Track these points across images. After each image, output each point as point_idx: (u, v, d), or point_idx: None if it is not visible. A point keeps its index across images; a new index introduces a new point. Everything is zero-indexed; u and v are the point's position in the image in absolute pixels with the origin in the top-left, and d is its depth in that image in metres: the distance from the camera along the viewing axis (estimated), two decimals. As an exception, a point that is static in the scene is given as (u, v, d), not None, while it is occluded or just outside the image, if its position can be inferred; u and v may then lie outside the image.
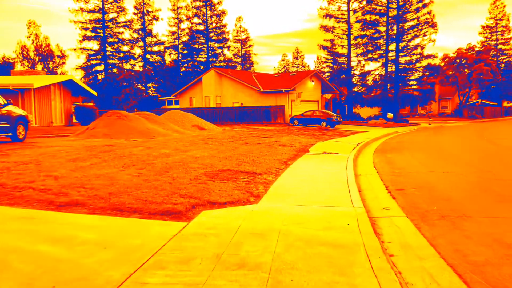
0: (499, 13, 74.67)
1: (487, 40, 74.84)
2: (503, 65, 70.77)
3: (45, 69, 76.11)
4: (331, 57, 54.86)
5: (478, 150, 16.66)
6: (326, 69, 62.43)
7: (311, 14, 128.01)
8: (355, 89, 52.51)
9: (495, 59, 68.64)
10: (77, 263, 4.02)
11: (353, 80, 52.47)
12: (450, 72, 59.56)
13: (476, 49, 63.48)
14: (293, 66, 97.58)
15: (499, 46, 74.58)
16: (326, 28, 51.50)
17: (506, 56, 74.43)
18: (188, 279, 3.68)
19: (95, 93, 33.39)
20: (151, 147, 12.43)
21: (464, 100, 60.90)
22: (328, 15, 50.96)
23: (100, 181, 7.41)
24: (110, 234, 4.94)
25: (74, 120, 29.75)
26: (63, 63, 73.16)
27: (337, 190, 7.91)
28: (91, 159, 9.78)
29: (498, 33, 74.82)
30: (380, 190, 8.37)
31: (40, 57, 78.38)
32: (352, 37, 50.90)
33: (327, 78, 47.42)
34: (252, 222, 5.58)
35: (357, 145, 18.30)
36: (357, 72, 52.57)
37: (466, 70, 58.10)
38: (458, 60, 59.56)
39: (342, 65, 53.04)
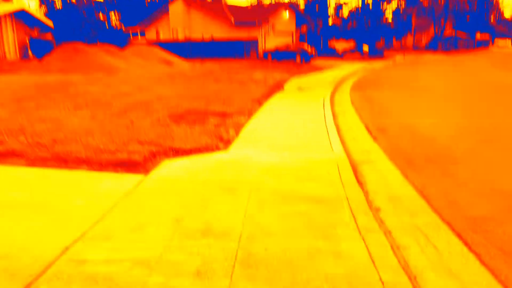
0: None
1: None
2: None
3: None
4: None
5: (457, 85, 16.26)
6: (302, 1, 59.63)
7: None
8: (331, 22, 50.67)
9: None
10: None
11: (329, 12, 50.42)
12: (426, 3, 58.05)
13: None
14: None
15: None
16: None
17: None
18: (139, 253, 2.99)
19: (51, 25, 30.49)
20: (110, 85, 11.27)
21: (439, 32, 60.14)
22: None
23: (45, 126, 6.44)
24: (47, 192, 4.14)
25: (30, 54, 27.31)
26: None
27: (315, 132, 7.25)
28: (39, 99, 8.66)
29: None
30: (360, 131, 7.78)
31: None
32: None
33: (302, 10, 45.23)
34: (220, 173, 4.88)
35: (333, 80, 17.54)
36: (333, 3, 50.37)
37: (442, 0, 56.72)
38: (435, -9, 57.85)
39: (318, -4, 50.55)
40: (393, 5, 46.45)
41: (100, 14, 52.50)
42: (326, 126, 7.77)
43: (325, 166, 5.21)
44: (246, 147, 6.15)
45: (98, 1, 50.44)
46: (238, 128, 7.37)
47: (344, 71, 23.23)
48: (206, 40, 36.69)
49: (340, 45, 49.46)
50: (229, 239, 3.21)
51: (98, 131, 6.31)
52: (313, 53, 32.62)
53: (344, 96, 13.28)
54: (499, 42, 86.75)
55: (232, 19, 36.91)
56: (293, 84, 15.77)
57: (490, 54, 51.10)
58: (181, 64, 24.22)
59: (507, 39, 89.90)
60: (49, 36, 45.31)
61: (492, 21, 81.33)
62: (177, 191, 4.25)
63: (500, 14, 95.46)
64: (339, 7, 49.37)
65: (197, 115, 8.11)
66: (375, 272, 2.90)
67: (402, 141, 6.75)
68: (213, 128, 7.10)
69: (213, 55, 35.79)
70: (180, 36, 39.77)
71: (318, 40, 47.50)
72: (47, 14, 47.77)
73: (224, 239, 3.22)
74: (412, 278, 2.86)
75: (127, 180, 4.53)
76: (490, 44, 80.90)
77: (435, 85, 16.53)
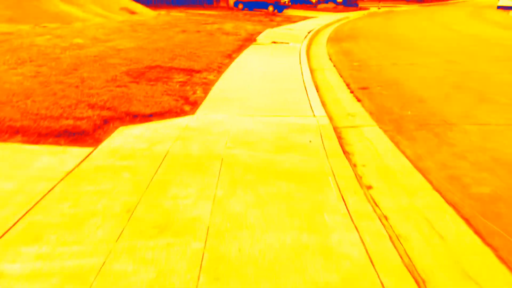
0: None
1: None
2: None
3: None
4: None
5: (437, 38, 15.66)
6: None
7: None
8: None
9: None
10: None
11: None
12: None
13: None
14: None
15: None
16: None
17: None
18: (74, 262, 2.29)
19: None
20: (61, 36, 9.99)
21: (414, -17, 58.66)
22: None
23: (-26, 87, 5.41)
24: (-35, 175, 3.32)
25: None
26: None
27: (293, 91, 6.52)
28: (-28, 54, 7.44)
29: None
30: (341, 89, 7.12)
31: None
32: None
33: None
34: (185, 144, 4.14)
35: (309, 33, 16.57)
36: None
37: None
38: None
39: None
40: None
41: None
42: (304, 84, 7.05)
43: (306, 133, 4.55)
44: (215, 110, 5.39)
45: None
46: (206, 87, 6.55)
47: (318, 22, 22.16)
48: (172, -13, 34.25)
49: (314, -5, 47.63)
50: (193, 237, 2.56)
51: (40, 91, 5.36)
52: (287, 3, 31.09)
53: (321, 49, 12.48)
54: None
55: (200, -36, 34.42)
56: (266, 36, 14.75)
57: (463, 4, 50.65)
58: (145, 12, 22.41)
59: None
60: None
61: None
62: (131, 169, 3.50)
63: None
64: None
65: (159, 72, 7.18)
66: (375, 275, 2.34)
67: (388, 101, 6.15)
68: (178, 88, 6.25)
69: (180, 3, 33.59)
70: (145, -17, 36.91)
71: (291, -11, 45.43)
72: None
73: (187, 236, 2.56)
74: (420, 283, 2.33)
75: (71, 155, 3.73)
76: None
77: (413, 37, 15.89)
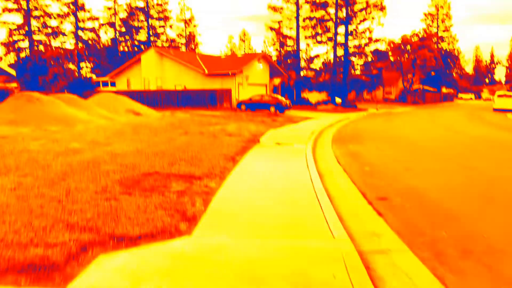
0: (440, 0, 76.67)
1: (430, 26, 76.75)
2: (443, 51, 72.89)
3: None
4: (280, 40, 53.07)
5: (444, 140, 15.43)
6: (274, 52, 60.79)
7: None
8: (304, 74, 51.23)
9: (436, 46, 70.52)
10: None
11: (302, 64, 51.09)
12: (394, 58, 60.10)
13: (420, 35, 64.62)
14: (239, 49, 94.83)
15: (440, 34, 76.85)
16: (274, 9, 49.37)
17: (446, 43, 76.94)
18: None
19: (13, 72, 28.80)
20: (58, 140, 9.62)
21: (408, 85, 61.92)
22: (277, -5, 48.84)
23: None
24: None
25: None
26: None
27: (304, 203, 5.81)
28: (-44, 161, 6.91)
29: (439, 20, 76.96)
30: (357, 199, 6.41)
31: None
32: (301, 19, 49.22)
33: (275, 61, 45.53)
34: (176, 283, 3.29)
35: (312, 133, 16.46)
36: (306, 55, 51.23)
37: (410, 56, 58.85)
38: (402, 47, 60.13)
39: (291, 48, 51.42)
40: (364, 59, 47.47)
41: (71, 65, 51.25)
42: (315, 193, 6.36)
43: (327, 263, 3.72)
44: (216, 228, 4.62)
45: (68, 50, 49.32)
46: (207, 198, 5.85)
47: (320, 123, 22.40)
48: (178, 90, 35.75)
49: (313, 97, 49.75)
50: None
51: (15, 208, 4.65)
52: (288, 104, 32.07)
53: (327, 151, 12.08)
54: (463, 95, 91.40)
55: (205, 69, 36.37)
56: (270, 137, 14.55)
57: (457, 106, 52.53)
58: (150, 114, 22.80)
59: (469, 93, 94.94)
60: (11, 86, 43.39)
61: (455, 76, 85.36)
62: (102, 327, 2.62)
63: (462, 70, 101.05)
64: (311, 59, 50.15)
65: (156, 180, 6.55)
66: None
67: (415, 217, 5.39)
68: (175, 199, 5.55)
69: (185, 105, 34.72)
70: (152, 86, 38.77)
71: (291, 91, 47.62)
72: (13, 63, 46.12)
73: None
74: None
75: (28, 302, 2.87)
76: (455, 97, 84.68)
77: (418, 139, 15.69)
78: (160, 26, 62.25)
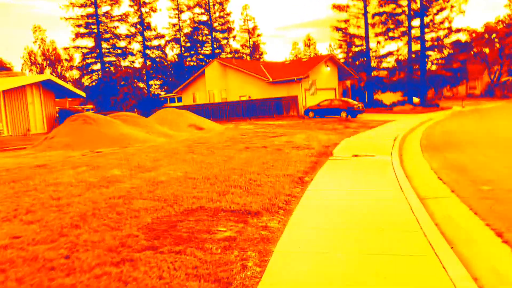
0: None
1: (516, 11, 68.43)
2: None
3: (53, 73, 73.26)
4: (346, 40, 50.18)
5: None
6: (341, 55, 57.91)
7: (323, 3, 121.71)
8: (375, 74, 47.78)
9: (527, 32, 62.48)
10: None
11: (372, 63, 47.72)
12: (478, 49, 54.06)
13: (506, 22, 57.61)
14: (304, 55, 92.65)
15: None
16: (339, 8, 46.78)
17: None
18: None
19: (83, 94, 29.71)
20: (101, 166, 8.44)
21: (496, 78, 55.30)
22: (341, -7, 46.22)
23: None
24: None
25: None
26: (72, 66, 70.36)
27: (411, 253, 3.76)
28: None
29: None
30: (492, 245, 4.19)
31: (48, 62, 75.64)
32: (369, 15, 46.05)
33: (343, 63, 42.82)
34: None
35: (394, 140, 13.99)
36: (376, 54, 47.80)
37: (496, 45, 52.52)
38: (486, 35, 53.95)
39: (359, 48, 48.31)
40: (444, 52, 42.88)
41: (140, 84, 52.91)
42: (425, 236, 4.27)
43: None
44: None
45: (136, 69, 51.01)
46: (265, 251, 4.06)
47: (400, 126, 19.63)
48: (242, 100, 34.69)
49: (387, 98, 46.06)
50: None
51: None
52: (360, 108, 29.35)
53: (419, 163, 9.69)
54: None
55: (270, 77, 34.92)
56: (344, 147, 12.43)
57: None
58: (213, 127, 21.69)
59: None
60: (91, 107, 45.61)
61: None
62: None
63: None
64: (383, 57, 46.59)
65: (198, 220, 4.89)
66: None
67: None
68: (218, 257, 3.81)
69: (250, 115, 33.50)
70: (217, 99, 38.23)
71: (362, 93, 44.52)
72: (86, 85, 48.67)
73: None
74: None
75: None
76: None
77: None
78: (223, 38, 62.33)
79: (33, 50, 75.89)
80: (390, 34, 43.85)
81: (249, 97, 36.05)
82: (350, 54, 52.30)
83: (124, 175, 7.45)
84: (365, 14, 46.15)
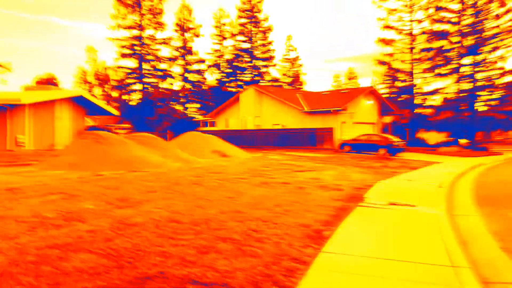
0: None
1: None
2: None
3: (104, 92, 75.78)
4: (390, 75, 48.15)
5: None
6: (384, 90, 55.73)
7: (367, 39, 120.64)
8: (419, 111, 45.17)
9: None
10: None
11: (416, 100, 45.23)
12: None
13: None
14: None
15: None
16: (384, 41, 45.12)
17: None
18: None
19: (115, 112, 29.42)
20: (77, 196, 7.07)
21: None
22: (387, 27, 44.63)
23: None
24: None
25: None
26: (114, 85, 72.39)
27: None
28: None
29: None
30: None
31: (98, 81, 78.45)
32: (415, 50, 44.03)
33: (385, 98, 40.69)
34: None
35: (439, 186, 11.89)
36: (421, 90, 45.36)
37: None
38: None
39: (403, 83, 46.13)
40: (496, 93, 39.85)
41: (177, 106, 52.96)
42: None
43: None
44: None
45: (174, 91, 51.19)
46: None
47: (447, 170, 17.31)
48: (275, 129, 33.25)
49: (431, 137, 43.15)
50: None
51: None
52: (401, 145, 27.06)
53: (474, 223, 7.65)
54: None
55: (306, 107, 33.42)
56: (379, 191, 10.52)
57: None
58: (239, 156, 20.26)
59: None
60: (128, 126, 45.78)
61: None
62: None
63: None
64: (428, 94, 44.06)
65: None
66: None
67: None
68: None
69: (282, 145, 31.93)
70: (250, 126, 37.08)
71: (404, 131, 41.93)
72: (126, 104, 49.13)
73: None
74: None
75: None
76: None
77: None
78: (264, 66, 61.95)
79: (85, 69, 79.05)
80: (437, 71, 41.50)
81: (283, 126, 34.61)
82: (393, 90, 50.09)
83: (94, 210, 6.02)
84: (412, 49, 44.20)
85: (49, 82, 70.83)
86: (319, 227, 6.28)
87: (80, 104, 25.96)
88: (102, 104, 27.04)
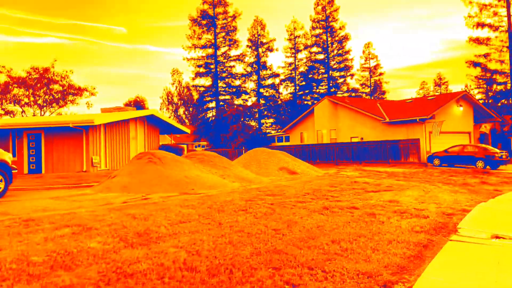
0: None
1: None
2: None
3: (186, 112, 79.46)
4: (486, 78, 42.86)
5: None
6: (479, 95, 49.94)
7: (454, 41, 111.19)
8: (524, 116, 39.26)
9: None
10: None
11: (520, 103, 39.49)
12: None
13: None
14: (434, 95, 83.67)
15: None
16: (477, 41, 40.36)
17: None
18: None
19: (187, 130, 29.53)
20: (93, 228, 6.07)
21: None
22: (480, 24, 39.87)
23: None
24: None
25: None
26: (192, 104, 75.16)
27: None
28: None
29: None
30: None
31: (182, 102, 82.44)
32: (515, 47, 38.66)
33: (480, 102, 35.97)
34: None
35: None
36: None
37: None
38: None
39: (502, 86, 40.72)
40: None
41: (251, 122, 52.76)
42: None
43: None
44: None
45: (247, 107, 50.88)
46: None
47: None
48: (353, 142, 30.82)
49: (541, 146, 37.06)
50: None
51: None
52: (504, 157, 23.08)
53: None
54: None
55: (386, 117, 30.56)
56: (477, 218, 8.18)
57: None
58: (308, 172, 18.56)
59: None
60: (205, 144, 46.36)
61: None
62: None
63: None
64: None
65: None
66: None
67: None
68: None
69: (362, 159, 29.40)
70: (325, 138, 35.05)
71: (506, 140, 36.55)
72: (203, 123, 50.06)
73: None
74: None
75: None
76: None
77: None
78: (340, 77, 59.42)
79: (171, 91, 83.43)
80: (545, 68, 35.75)
81: (362, 138, 32.05)
82: (490, 94, 44.57)
83: (96, 251, 4.90)
84: (511, 47, 38.86)
85: (137, 104, 75.72)
86: (389, 277, 4.48)
87: (153, 123, 26.42)
88: (173, 122, 27.27)
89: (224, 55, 50.99)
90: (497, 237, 6.83)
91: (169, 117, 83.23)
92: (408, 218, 7.93)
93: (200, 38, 49.90)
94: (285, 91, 59.16)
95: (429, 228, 7.21)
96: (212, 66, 50.58)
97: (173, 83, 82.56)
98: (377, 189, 11.93)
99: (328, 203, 9.18)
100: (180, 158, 13.19)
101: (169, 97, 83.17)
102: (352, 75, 59.76)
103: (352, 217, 7.77)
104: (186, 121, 78.71)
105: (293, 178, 16.75)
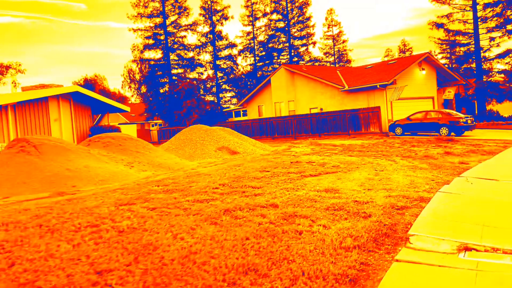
0: None
1: None
2: None
3: (151, 91, 74.76)
4: (449, 40, 41.03)
5: None
6: (443, 60, 48.33)
7: (420, 9, 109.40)
8: (487, 78, 38.07)
9: None
10: None
11: (483, 66, 38.05)
12: None
13: None
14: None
15: None
16: (440, 0, 38.26)
17: None
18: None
19: (126, 108, 26.25)
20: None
21: None
22: (442, -18, 37.73)
23: None
24: None
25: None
26: (141, 80, 70.62)
27: None
28: None
29: None
30: None
31: (144, 78, 77.19)
32: (479, 7, 36.79)
33: (443, 64, 34.15)
34: None
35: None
36: (488, 55, 38.10)
37: None
38: None
39: (466, 47, 39.08)
40: None
41: (208, 96, 49.55)
42: None
43: None
44: None
45: (200, 80, 47.57)
46: None
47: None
48: (312, 113, 28.44)
49: (505, 109, 36.02)
50: None
51: None
52: (469, 122, 21.27)
53: None
54: None
55: (346, 85, 28.24)
56: (439, 215, 5.86)
57: None
58: (251, 151, 16.02)
59: None
60: (160, 122, 42.88)
61: None
62: None
63: None
64: (499, 57, 36.83)
65: None
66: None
67: None
68: None
69: (321, 131, 27.15)
70: (284, 111, 32.57)
71: (470, 104, 35.17)
72: (155, 99, 46.33)
73: None
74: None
75: None
76: None
77: None
78: (302, 45, 56.45)
79: (132, 68, 77.98)
80: (509, 27, 34.17)
81: (321, 109, 29.74)
82: (454, 58, 42.96)
83: None
84: (474, 5, 36.97)
85: (92, 82, 70.58)
86: None
87: (81, 102, 23.04)
88: (108, 100, 23.92)
89: (174, 24, 46.77)
90: (466, 248, 4.50)
91: (132, 96, 78.39)
92: (343, 220, 5.51)
93: (146, 6, 45.43)
94: (244, 63, 55.84)
95: (368, 238, 4.81)
96: (161, 37, 46.40)
97: (134, 60, 77.42)
98: (318, 172, 9.49)
99: (240, 200, 6.63)
100: (70, 145, 10.26)
101: (130, 75, 78.03)
102: (314, 43, 56.84)
103: (259, 225, 5.26)
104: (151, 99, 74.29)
105: (232, 159, 14.19)
